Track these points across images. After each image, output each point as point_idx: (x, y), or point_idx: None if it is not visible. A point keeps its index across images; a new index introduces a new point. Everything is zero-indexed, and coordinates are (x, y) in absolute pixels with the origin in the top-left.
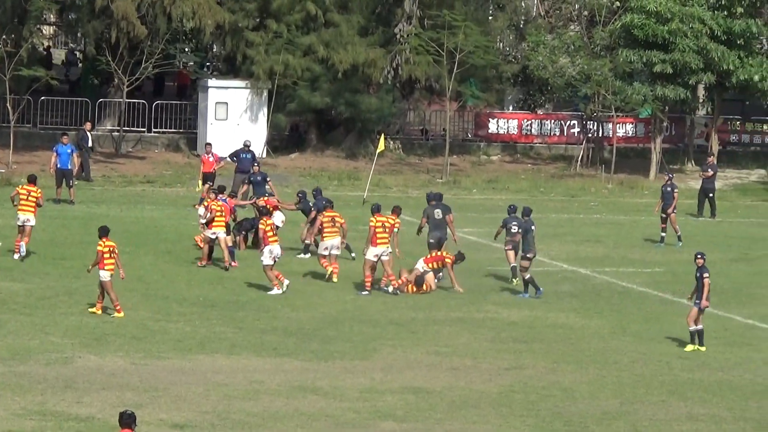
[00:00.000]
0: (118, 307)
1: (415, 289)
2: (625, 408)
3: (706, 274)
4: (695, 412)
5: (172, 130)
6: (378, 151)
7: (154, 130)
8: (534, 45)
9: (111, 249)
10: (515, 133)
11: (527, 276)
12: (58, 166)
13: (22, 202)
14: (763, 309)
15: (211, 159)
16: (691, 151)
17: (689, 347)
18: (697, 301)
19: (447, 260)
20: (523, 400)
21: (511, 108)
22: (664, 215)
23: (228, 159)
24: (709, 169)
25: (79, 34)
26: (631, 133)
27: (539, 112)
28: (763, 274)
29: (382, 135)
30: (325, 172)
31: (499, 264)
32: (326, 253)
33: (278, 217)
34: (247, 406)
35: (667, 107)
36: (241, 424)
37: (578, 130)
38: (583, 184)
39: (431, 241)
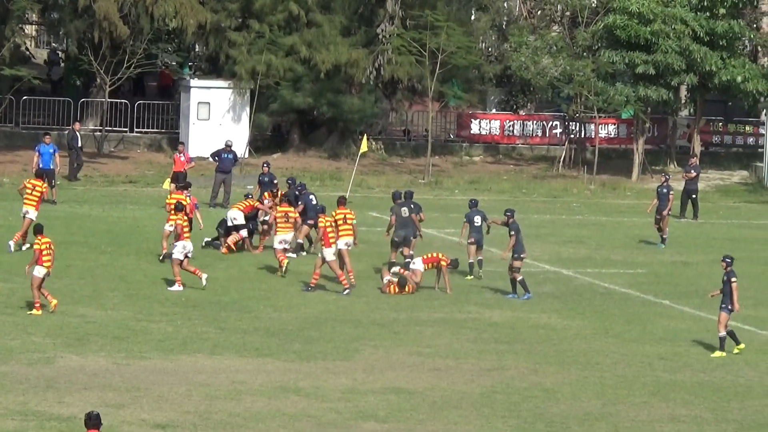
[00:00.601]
0: (37, 305)
1: (397, 290)
2: (607, 409)
3: (734, 279)
4: (677, 413)
5: (155, 130)
6: (361, 151)
7: (136, 130)
8: (516, 45)
9: (48, 245)
10: (497, 133)
11: (519, 277)
12: (40, 165)
13: (27, 195)
14: (744, 311)
15: (182, 158)
16: (673, 152)
17: (717, 353)
18: (727, 306)
19: (443, 262)
20: (505, 400)
21: (493, 109)
22: (658, 216)
23: (210, 158)
24: (692, 170)
25: (61, 34)
26: (613, 134)
27: (521, 112)
28: (745, 275)
29: (365, 135)
30: (308, 173)
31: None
32: (281, 246)
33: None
34: (229, 406)
35: (649, 108)
36: (222, 425)
37: (560, 130)
38: (565, 185)
39: (396, 239)
